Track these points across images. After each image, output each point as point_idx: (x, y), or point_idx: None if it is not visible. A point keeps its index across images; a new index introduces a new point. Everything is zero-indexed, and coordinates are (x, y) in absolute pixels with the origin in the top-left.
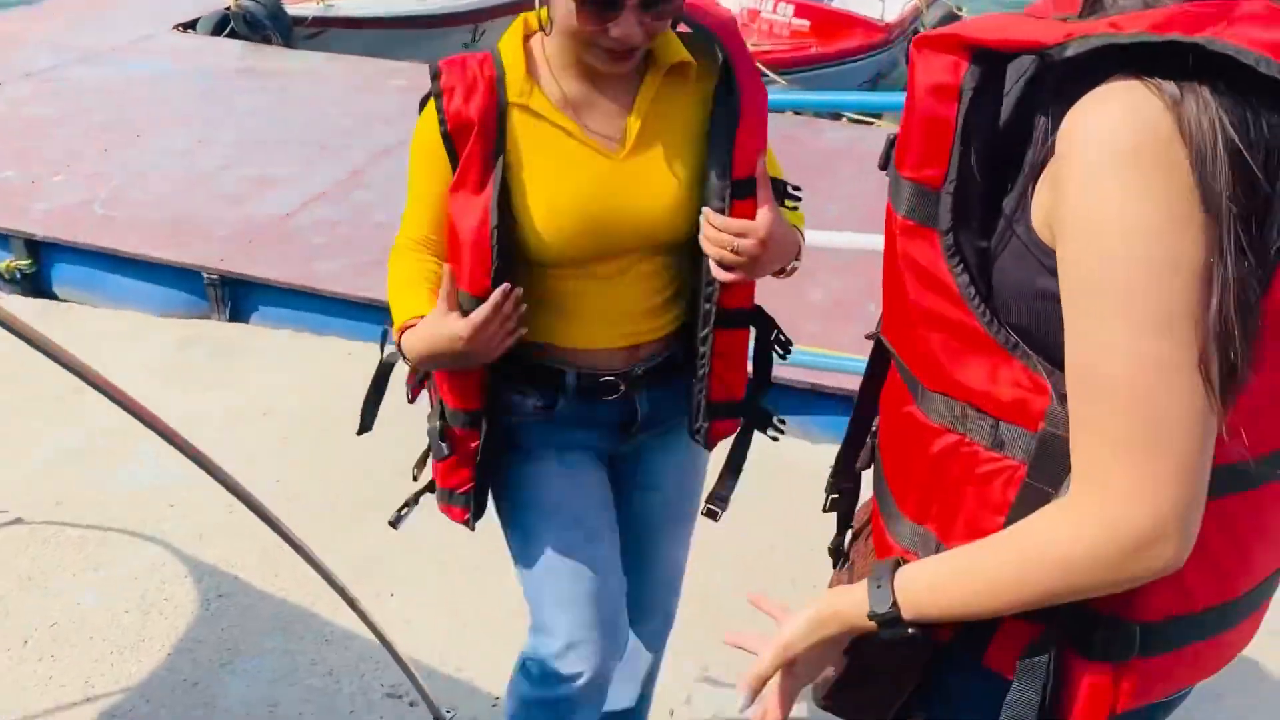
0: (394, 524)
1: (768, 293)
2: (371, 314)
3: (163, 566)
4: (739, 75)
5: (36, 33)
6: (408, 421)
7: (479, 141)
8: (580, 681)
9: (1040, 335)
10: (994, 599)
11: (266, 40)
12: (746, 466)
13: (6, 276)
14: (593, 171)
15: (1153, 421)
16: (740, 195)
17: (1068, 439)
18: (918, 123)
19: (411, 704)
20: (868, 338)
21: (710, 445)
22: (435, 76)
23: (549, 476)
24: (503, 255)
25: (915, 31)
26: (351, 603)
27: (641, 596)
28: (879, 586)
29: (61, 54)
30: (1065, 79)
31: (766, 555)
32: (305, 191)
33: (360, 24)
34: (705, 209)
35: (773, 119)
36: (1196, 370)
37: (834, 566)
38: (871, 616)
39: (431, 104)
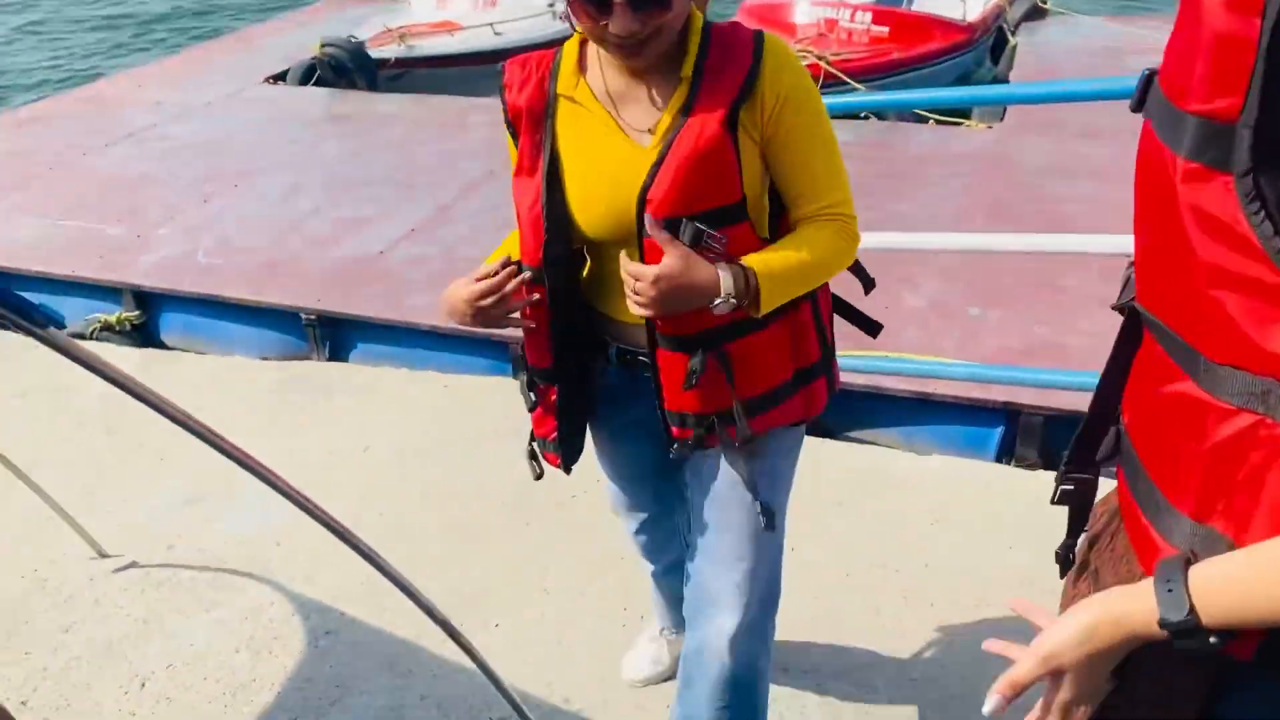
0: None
1: (863, 299)
2: (466, 346)
3: (271, 606)
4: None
5: (138, 94)
6: (502, 458)
7: (531, 129)
8: None
9: None
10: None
11: (352, 85)
12: (855, 479)
13: (118, 328)
14: (621, 159)
15: None
16: (663, 232)
17: None
18: (1207, 43)
19: None
20: (1114, 308)
21: (689, 450)
22: (500, 74)
23: (604, 442)
24: (553, 232)
25: (1000, 30)
26: (454, 635)
27: (703, 587)
28: (1170, 590)
29: (161, 112)
30: None
31: (878, 571)
32: (395, 230)
33: (441, 62)
34: (622, 253)
35: (861, 126)
36: None
37: (1061, 575)
38: (1163, 624)
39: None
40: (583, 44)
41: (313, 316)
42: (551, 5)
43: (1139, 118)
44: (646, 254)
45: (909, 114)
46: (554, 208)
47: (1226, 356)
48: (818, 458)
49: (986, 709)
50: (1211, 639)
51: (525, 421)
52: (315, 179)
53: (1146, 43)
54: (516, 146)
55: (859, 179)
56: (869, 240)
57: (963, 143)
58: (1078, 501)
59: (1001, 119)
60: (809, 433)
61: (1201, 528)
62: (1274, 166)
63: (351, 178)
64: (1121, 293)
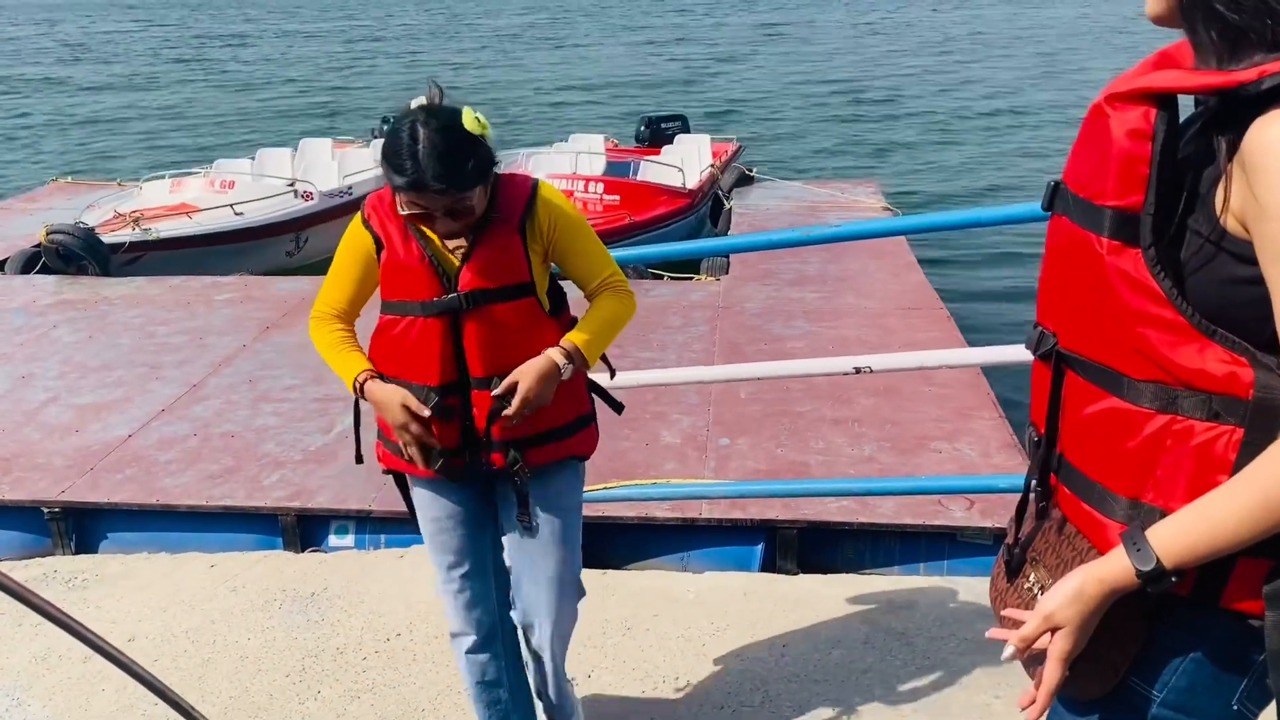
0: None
1: (622, 437)
2: (231, 523)
3: None
4: None
5: None
6: (281, 629)
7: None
8: None
9: (1231, 318)
10: (1240, 528)
11: (83, 271)
12: (639, 602)
13: None
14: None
15: None
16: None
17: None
18: (1116, 159)
19: None
20: (1039, 356)
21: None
22: (361, 209)
23: (430, 489)
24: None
25: (715, 195)
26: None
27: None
28: (1138, 549)
29: None
30: (1250, 108)
31: (670, 683)
32: (144, 412)
33: (180, 244)
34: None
35: None
36: None
37: (1006, 572)
38: (1139, 574)
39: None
40: None
41: (56, 509)
42: (291, 185)
43: (844, 266)
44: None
45: (646, 271)
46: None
47: (1146, 374)
48: (604, 585)
49: (1005, 656)
50: (1173, 579)
51: (302, 590)
52: (49, 368)
53: (839, 200)
54: (380, 261)
55: None
56: (624, 379)
57: (696, 294)
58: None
59: (726, 272)
60: (593, 566)
61: (1137, 503)
62: (1168, 242)
63: (89, 364)
64: (1037, 347)
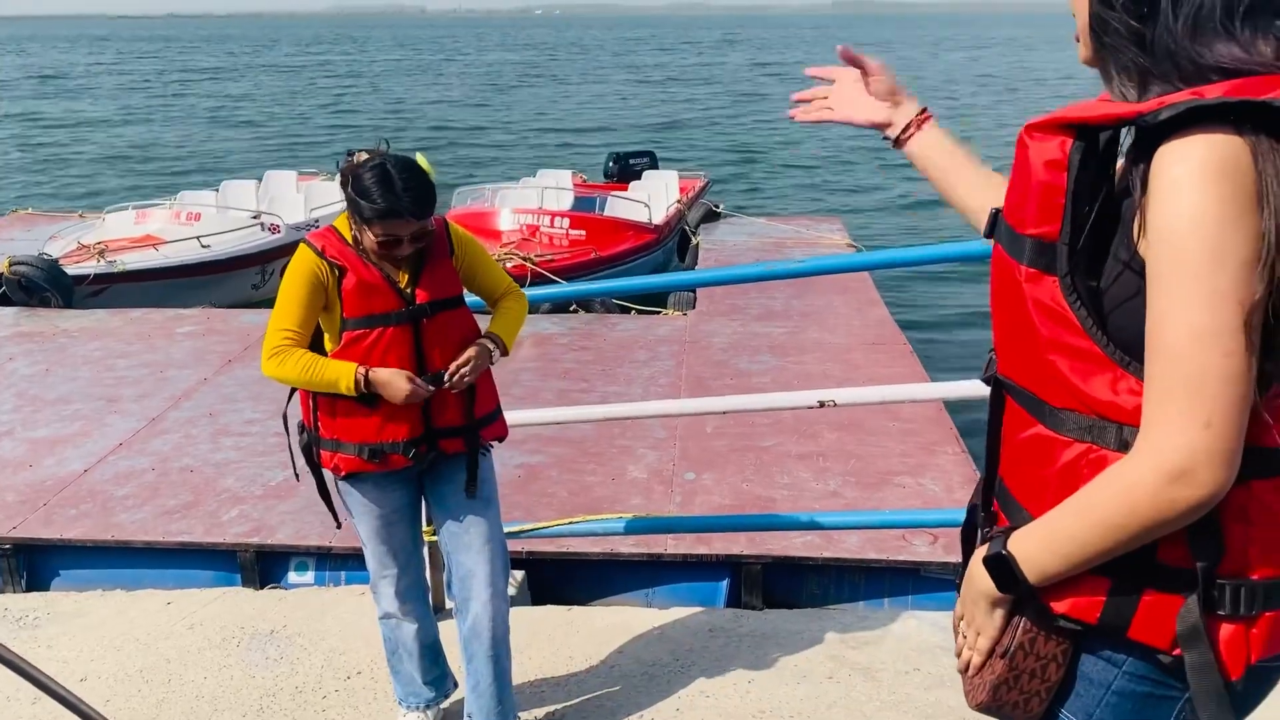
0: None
1: (587, 471)
2: (188, 559)
3: None
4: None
5: None
6: (239, 667)
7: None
8: None
9: (1144, 347)
10: (1079, 534)
11: (45, 303)
12: (603, 638)
13: None
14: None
15: (1191, 378)
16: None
17: None
18: (1035, 190)
19: None
20: (984, 381)
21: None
22: (310, 243)
23: (370, 491)
24: None
25: (682, 231)
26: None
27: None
28: (992, 540)
29: None
30: (1156, 137)
31: None
32: (100, 446)
33: (145, 276)
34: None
35: (569, 319)
36: (1234, 340)
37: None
38: (986, 561)
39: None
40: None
41: (6, 546)
42: (256, 217)
43: (809, 302)
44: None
45: (613, 305)
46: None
47: (1063, 403)
48: (568, 621)
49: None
50: (1029, 582)
51: (261, 628)
52: (3, 400)
53: (802, 237)
54: (340, 291)
55: (572, 365)
56: (591, 412)
57: (662, 328)
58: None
59: (693, 306)
60: (557, 602)
61: None
62: (1080, 270)
63: (45, 397)
64: (985, 370)
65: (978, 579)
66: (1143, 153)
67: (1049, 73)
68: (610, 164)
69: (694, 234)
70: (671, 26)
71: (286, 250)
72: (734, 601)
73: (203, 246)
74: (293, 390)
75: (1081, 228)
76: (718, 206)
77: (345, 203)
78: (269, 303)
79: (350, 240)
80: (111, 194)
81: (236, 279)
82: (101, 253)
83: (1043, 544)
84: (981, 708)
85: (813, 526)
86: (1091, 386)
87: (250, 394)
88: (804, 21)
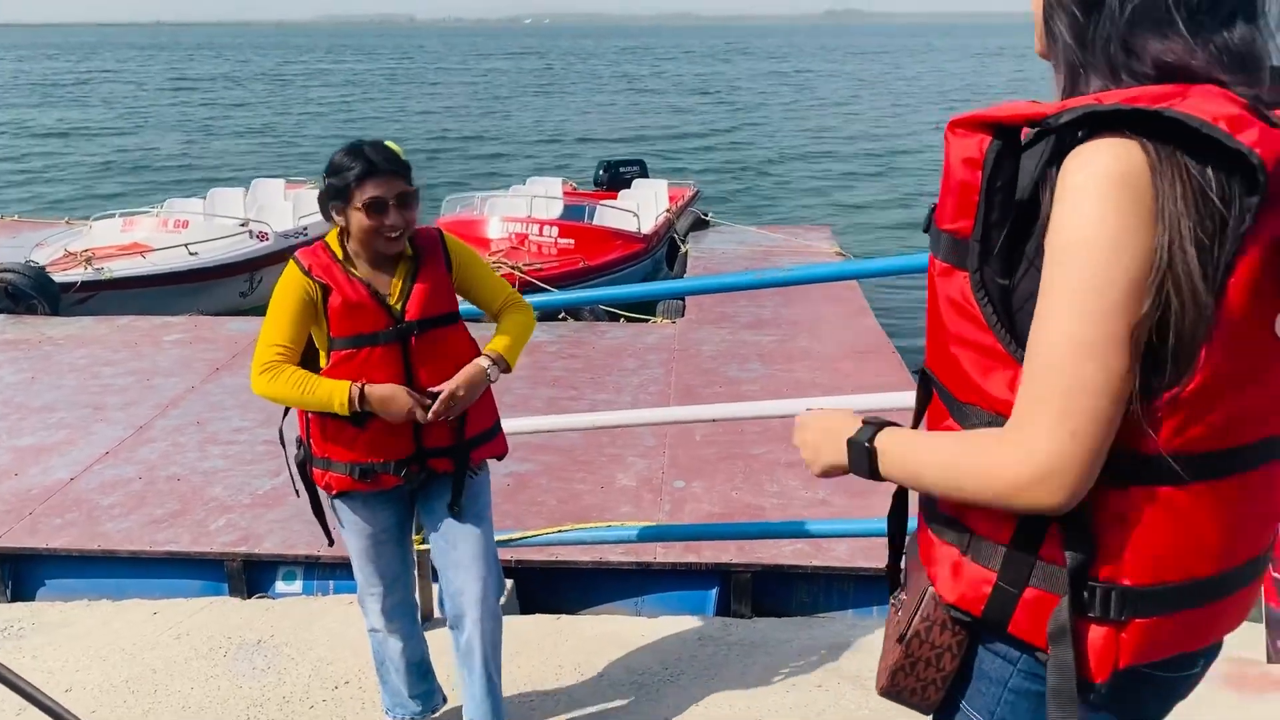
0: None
1: (577, 480)
2: (175, 569)
3: None
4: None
5: None
6: (226, 677)
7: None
8: None
9: None
10: (929, 473)
11: (31, 310)
12: (593, 647)
13: None
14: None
15: (1066, 388)
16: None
17: None
18: (953, 187)
19: None
20: (915, 373)
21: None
22: (297, 260)
23: (360, 510)
24: None
25: (671, 240)
26: None
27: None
28: (866, 424)
29: None
30: (1067, 142)
31: None
32: (87, 454)
33: (132, 284)
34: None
35: (558, 326)
36: (1114, 356)
37: (890, 591)
38: (851, 440)
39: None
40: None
41: None
42: (244, 225)
43: (798, 310)
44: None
45: (602, 313)
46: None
47: (967, 397)
48: (557, 630)
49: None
50: (867, 444)
51: (248, 638)
52: None
53: (791, 245)
54: (326, 310)
55: (561, 373)
56: (580, 420)
57: (651, 336)
58: (896, 529)
59: (682, 314)
60: (545, 610)
61: (955, 523)
62: (991, 267)
63: (30, 405)
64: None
65: (842, 432)
66: (1055, 155)
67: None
68: (600, 172)
69: (683, 242)
70: (663, 36)
71: (274, 258)
72: (723, 610)
73: (190, 254)
74: (287, 410)
75: (992, 226)
76: (707, 215)
77: (321, 202)
78: (257, 310)
79: (340, 255)
80: (101, 201)
81: (224, 287)
82: (88, 260)
83: (898, 457)
84: (883, 692)
85: (802, 534)
86: (990, 383)
87: (238, 402)
88: (796, 30)
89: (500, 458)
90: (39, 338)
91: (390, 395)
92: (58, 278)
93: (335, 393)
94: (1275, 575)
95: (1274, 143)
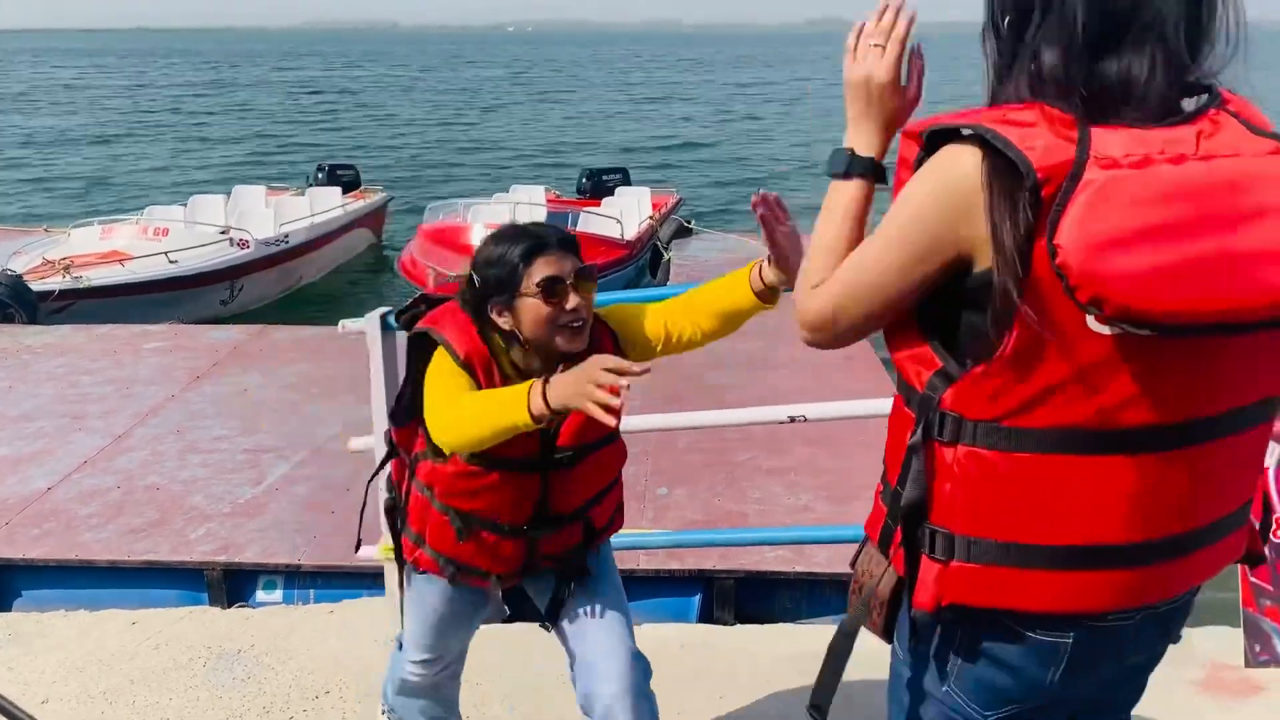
0: None
1: None
2: (153, 579)
3: None
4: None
5: None
6: (207, 689)
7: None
8: None
9: (948, 327)
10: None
11: (9, 319)
12: None
13: None
14: None
15: (849, 279)
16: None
17: (936, 398)
18: (896, 186)
19: None
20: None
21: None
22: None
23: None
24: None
25: (654, 247)
26: None
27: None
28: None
29: None
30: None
31: None
32: (64, 464)
33: (111, 292)
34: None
35: None
36: (891, 275)
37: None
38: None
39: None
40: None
41: None
42: (225, 233)
43: (781, 317)
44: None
45: None
46: None
47: (897, 366)
48: (539, 638)
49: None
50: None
51: (227, 648)
52: None
53: None
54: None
55: None
56: None
57: None
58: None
59: None
60: (521, 621)
61: (888, 489)
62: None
63: (8, 414)
64: None
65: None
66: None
67: None
68: (583, 180)
69: (666, 250)
70: (647, 44)
71: (256, 265)
72: (706, 617)
73: (170, 262)
74: (385, 460)
75: None
76: (689, 222)
77: (474, 302)
78: (237, 319)
79: (502, 347)
80: (83, 211)
81: (205, 294)
82: (67, 268)
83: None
84: (849, 609)
85: (784, 541)
86: (901, 354)
87: (218, 410)
88: (779, 39)
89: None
90: (16, 347)
91: (579, 375)
92: (35, 286)
93: (518, 396)
94: (1253, 580)
95: (1058, 151)
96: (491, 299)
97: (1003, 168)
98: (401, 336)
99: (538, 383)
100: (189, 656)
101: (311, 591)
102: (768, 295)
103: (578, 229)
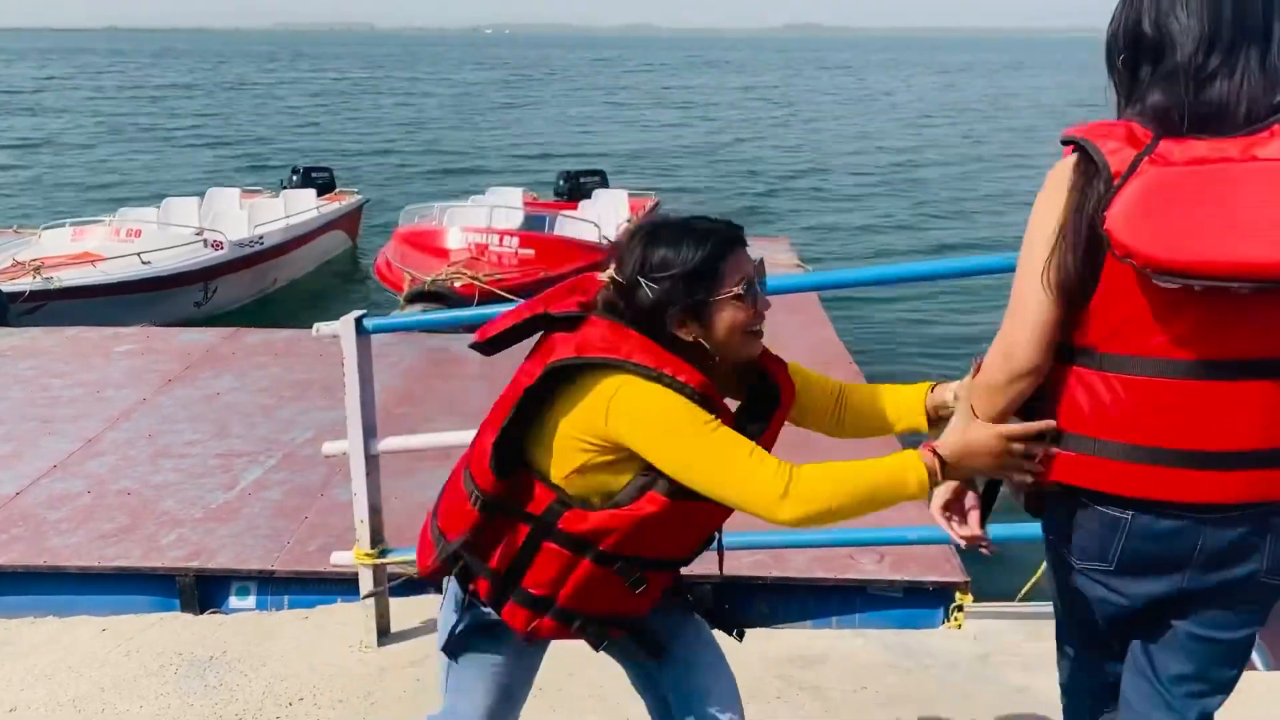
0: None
1: None
2: (124, 584)
3: None
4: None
5: None
6: (178, 696)
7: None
8: None
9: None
10: None
11: None
12: None
13: None
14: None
15: (1017, 298)
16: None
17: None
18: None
19: None
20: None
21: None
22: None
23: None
24: None
25: None
26: None
27: None
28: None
29: None
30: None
31: None
32: (33, 468)
33: (83, 293)
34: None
35: None
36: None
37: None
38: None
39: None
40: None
41: None
42: (200, 234)
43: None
44: None
45: None
46: None
47: None
48: None
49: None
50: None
51: (199, 654)
52: None
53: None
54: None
55: None
56: None
57: None
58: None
59: None
60: None
61: None
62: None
63: None
64: None
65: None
66: None
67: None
68: (561, 182)
69: None
70: (625, 48)
71: (230, 267)
72: None
73: (143, 263)
74: (479, 526)
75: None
76: None
77: (647, 314)
78: (211, 321)
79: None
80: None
81: (178, 296)
82: (38, 269)
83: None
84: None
85: (760, 546)
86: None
87: (190, 415)
88: (756, 43)
89: None
90: None
91: (985, 443)
92: (4, 287)
93: (899, 466)
94: None
95: (1126, 156)
96: (671, 308)
97: (1088, 163)
98: (378, 339)
99: (925, 452)
100: (160, 663)
101: (285, 597)
102: (936, 421)
103: (555, 233)
